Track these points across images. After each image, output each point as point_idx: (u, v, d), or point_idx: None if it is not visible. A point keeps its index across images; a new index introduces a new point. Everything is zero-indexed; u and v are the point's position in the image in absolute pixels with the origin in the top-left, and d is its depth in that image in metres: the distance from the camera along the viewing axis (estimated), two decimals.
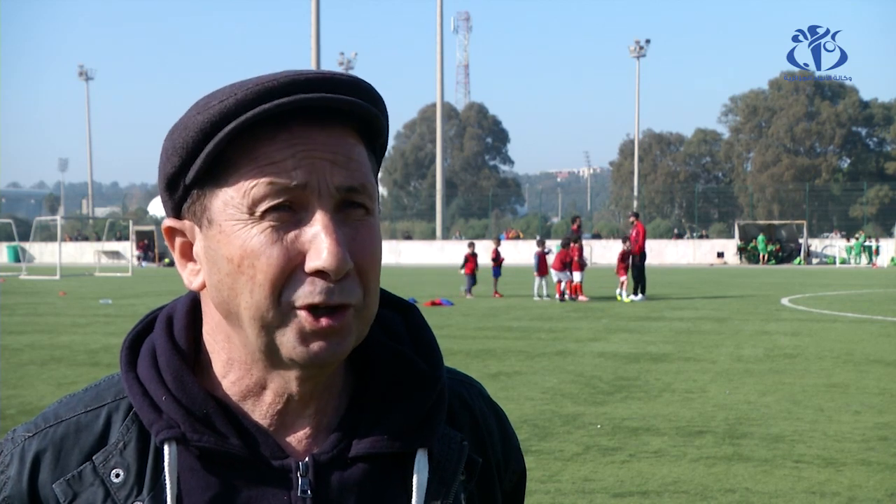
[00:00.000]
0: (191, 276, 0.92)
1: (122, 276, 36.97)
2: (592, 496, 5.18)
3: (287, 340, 0.86)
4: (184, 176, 0.88)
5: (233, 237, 0.86)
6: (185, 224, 0.91)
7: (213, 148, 0.85)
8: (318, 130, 0.86)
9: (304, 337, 0.86)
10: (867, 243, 46.29)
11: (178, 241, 0.93)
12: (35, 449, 0.92)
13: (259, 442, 0.91)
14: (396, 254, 50.71)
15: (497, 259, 23.23)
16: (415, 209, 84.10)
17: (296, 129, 0.86)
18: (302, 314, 0.85)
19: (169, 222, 0.93)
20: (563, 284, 20.45)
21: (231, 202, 0.86)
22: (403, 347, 0.99)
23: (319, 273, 0.84)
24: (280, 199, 0.85)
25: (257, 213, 0.85)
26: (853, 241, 46.91)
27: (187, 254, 0.93)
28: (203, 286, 0.91)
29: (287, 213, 0.85)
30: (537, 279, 21.28)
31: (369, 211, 0.89)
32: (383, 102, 0.92)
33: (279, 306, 0.85)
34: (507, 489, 1.07)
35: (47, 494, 0.90)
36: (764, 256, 46.79)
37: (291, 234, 0.85)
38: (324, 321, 0.85)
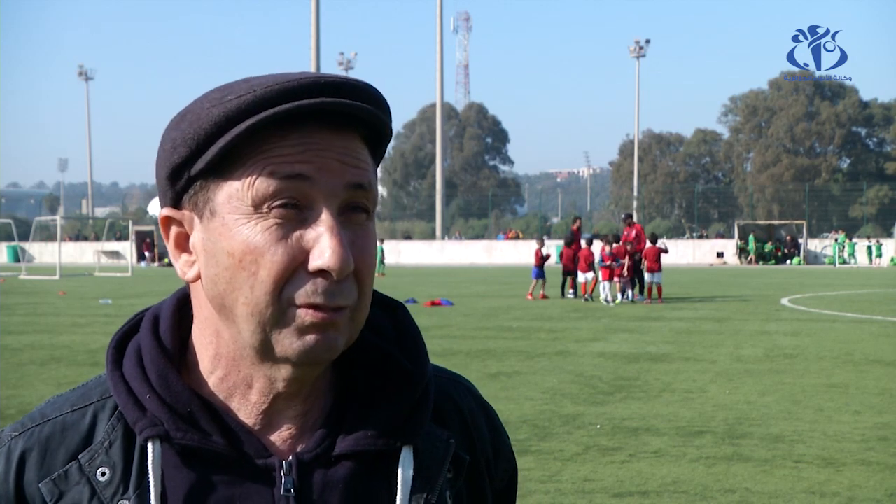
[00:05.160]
0: (185, 267, 0.92)
1: (121, 276, 36.95)
2: (592, 496, 5.18)
3: (283, 337, 0.86)
4: (190, 166, 0.88)
5: (235, 231, 0.86)
6: (184, 214, 0.91)
7: (228, 142, 0.85)
8: (331, 133, 0.88)
9: (301, 331, 0.86)
10: (855, 243, 46.39)
11: (175, 231, 0.92)
12: (21, 448, 0.92)
13: (243, 440, 0.92)
14: (396, 254, 50.64)
15: (544, 259, 21.56)
16: (415, 209, 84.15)
17: (308, 130, 0.87)
18: (301, 309, 0.86)
19: (166, 212, 0.92)
20: (617, 288, 20.01)
21: (236, 195, 0.86)
22: (389, 346, 0.99)
23: (322, 273, 0.85)
24: (286, 196, 0.85)
25: (263, 209, 0.85)
26: (835, 242, 46.92)
27: (182, 244, 0.92)
28: (197, 278, 0.91)
29: (292, 210, 0.86)
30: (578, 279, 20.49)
31: (369, 216, 0.91)
32: (390, 110, 0.94)
33: (279, 303, 0.86)
34: (498, 488, 1.07)
35: (33, 494, 0.91)
36: (753, 257, 46.75)
37: (296, 233, 0.86)
38: (323, 313, 0.86)
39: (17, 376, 9.28)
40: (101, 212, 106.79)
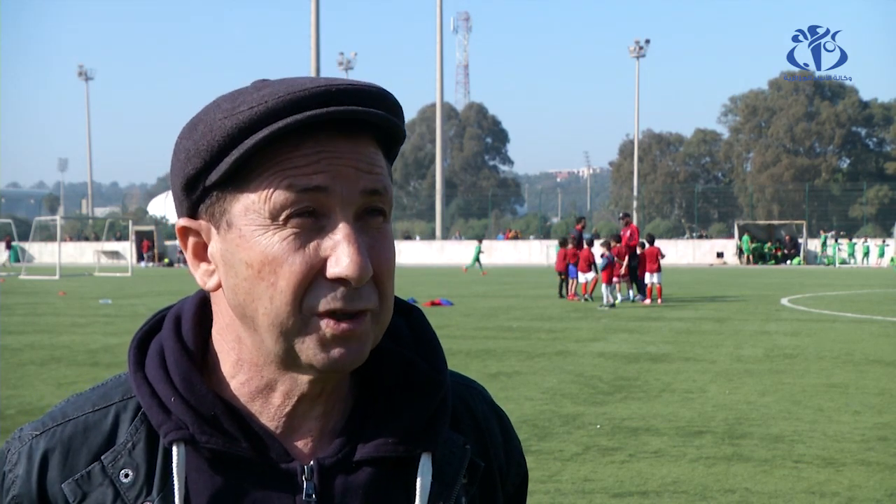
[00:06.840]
0: (204, 277, 0.92)
1: (121, 276, 36.94)
2: (592, 496, 5.18)
3: (307, 347, 0.87)
4: (205, 178, 0.88)
5: (253, 242, 0.86)
6: (201, 224, 0.91)
7: (242, 154, 0.85)
8: (344, 140, 0.87)
9: (325, 343, 0.86)
10: (855, 243, 46.44)
11: (192, 240, 0.92)
12: (43, 448, 0.92)
13: (267, 444, 0.92)
14: (396, 254, 50.42)
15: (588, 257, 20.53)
16: (415, 209, 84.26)
17: (322, 138, 0.86)
18: (323, 320, 0.86)
19: (183, 222, 0.92)
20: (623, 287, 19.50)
21: (253, 207, 0.86)
22: (407, 351, 0.99)
23: (340, 280, 0.85)
24: (302, 205, 0.85)
25: (280, 220, 0.85)
26: (834, 242, 46.99)
27: (200, 254, 0.92)
28: (218, 287, 0.91)
29: (309, 219, 0.86)
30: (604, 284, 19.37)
31: (386, 218, 0.90)
32: (402, 112, 0.93)
33: (300, 313, 0.86)
34: (509, 493, 1.07)
35: (56, 494, 0.91)
36: (749, 257, 46.74)
37: (314, 242, 0.86)
38: (344, 325, 0.86)
39: (17, 376, 9.25)
40: (101, 212, 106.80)
